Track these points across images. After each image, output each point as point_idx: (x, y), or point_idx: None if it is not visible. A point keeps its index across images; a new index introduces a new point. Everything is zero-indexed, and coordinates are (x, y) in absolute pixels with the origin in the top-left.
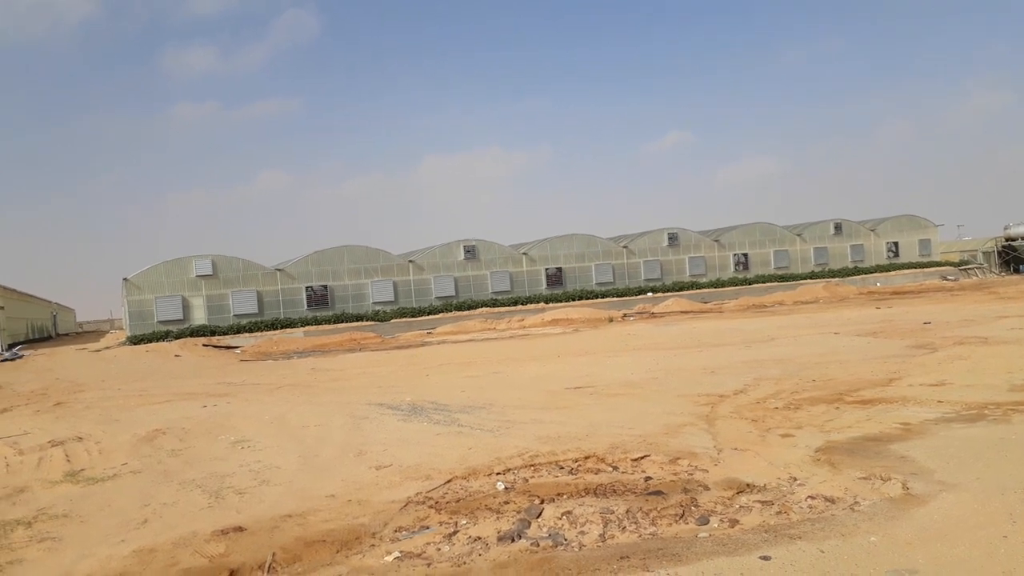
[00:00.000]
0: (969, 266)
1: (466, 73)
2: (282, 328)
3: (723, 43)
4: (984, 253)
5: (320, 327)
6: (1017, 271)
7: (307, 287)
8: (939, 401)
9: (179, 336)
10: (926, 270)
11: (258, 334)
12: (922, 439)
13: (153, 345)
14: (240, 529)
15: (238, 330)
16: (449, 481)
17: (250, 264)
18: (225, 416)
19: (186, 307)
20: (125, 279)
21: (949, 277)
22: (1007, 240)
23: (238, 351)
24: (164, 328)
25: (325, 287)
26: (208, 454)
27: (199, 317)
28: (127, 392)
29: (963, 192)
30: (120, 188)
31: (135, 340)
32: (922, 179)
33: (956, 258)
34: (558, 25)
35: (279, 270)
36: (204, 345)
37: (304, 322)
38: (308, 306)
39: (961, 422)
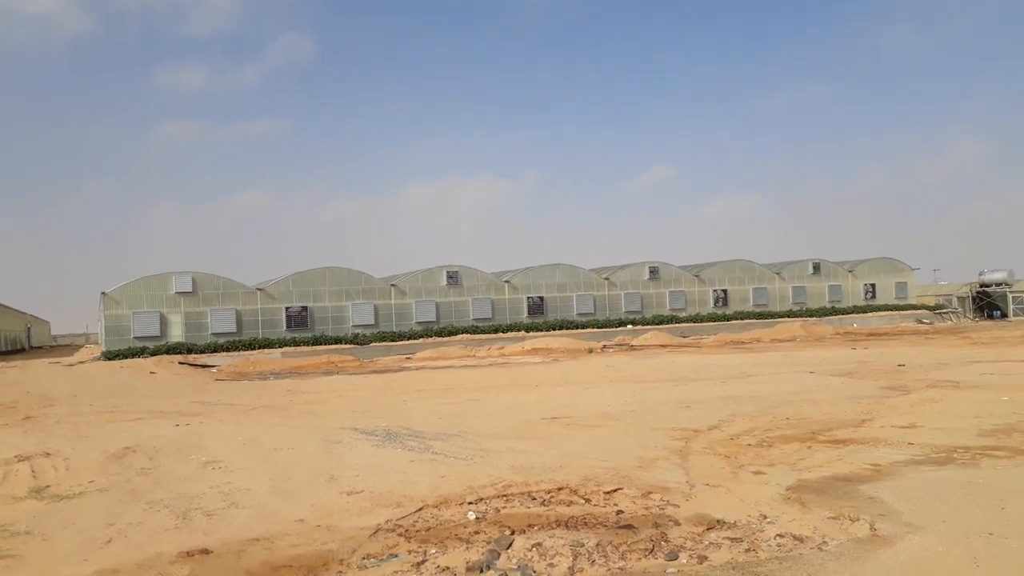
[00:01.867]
0: (944, 310)
1: (457, 100)
2: (260, 348)
3: (711, 82)
4: (959, 298)
5: (298, 348)
6: (990, 317)
7: (287, 307)
8: (910, 443)
9: (155, 353)
10: (902, 312)
11: (235, 353)
12: (891, 480)
13: (128, 361)
14: (206, 552)
15: (215, 349)
16: (420, 509)
17: (230, 282)
18: (197, 436)
19: (164, 324)
20: (103, 293)
21: (924, 320)
22: (981, 286)
23: (214, 370)
24: (140, 344)
25: (305, 308)
26: (178, 474)
27: (177, 334)
28: (99, 408)
29: (939, 238)
30: (104, 202)
31: (110, 355)
32: (900, 224)
33: (931, 302)
34: (549, 55)
35: (259, 289)
36: (180, 363)
37: (283, 343)
38: (287, 327)
39: (930, 464)
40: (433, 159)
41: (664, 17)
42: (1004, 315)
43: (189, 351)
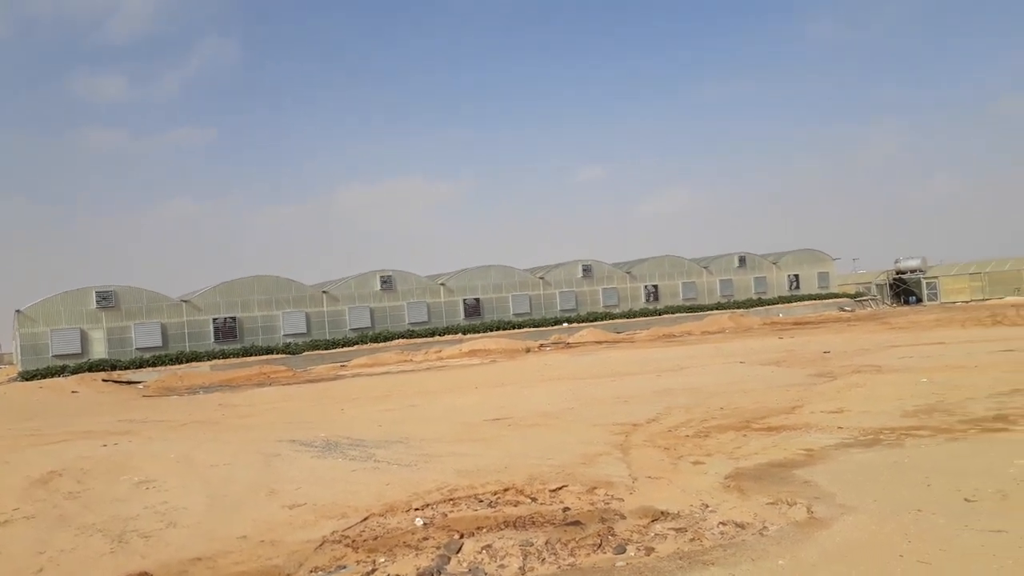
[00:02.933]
0: (864, 298)
1: (387, 102)
2: (188, 362)
3: (640, 79)
4: (877, 285)
5: (228, 360)
6: (907, 302)
7: (214, 319)
8: (839, 427)
9: (76, 371)
10: (825, 301)
11: (162, 368)
12: (824, 464)
13: (47, 381)
14: (145, 574)
15: (141, 364)
16: (366, 518)
17: (154, 295)
18: (127, 455)
19: (84, 340)
20: (18, 311)
21: (846, 308)
22: (897, 273)
23: (141, 386)
24: (60, 363)
25: (234, 319)
26: (109, 496)
27: (99, 351)
28: (17, 432)
29: (859, 228)
30: (17, 215)
31: (27, 376)
32: (821, 215)
33: (852, 290)
34: (479, 54)
35: (185, 301)
36: (104, 380)
37: (211, 355)
38: (215, 339)
39: (859, 447)
40: (364, 163)
41: (593, 13)
42: (919, 300)
43: (113, 368)
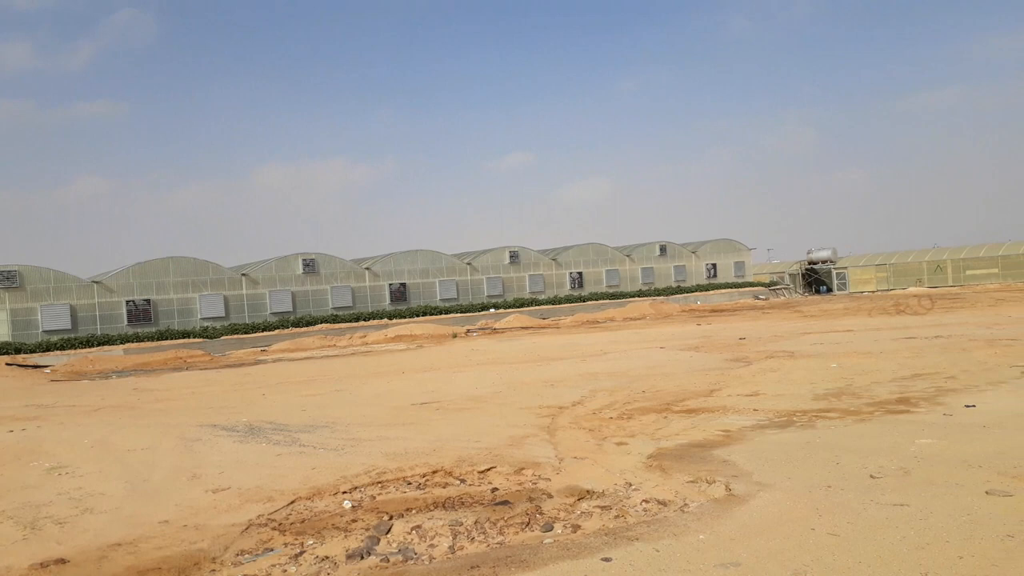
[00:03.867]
0: (778, 287)
1: (309, 82)
2: (99, 345)
3: (564, 68)
4: (791, 275)
5: (142, 344)
6: (818, 292)
7: (128, 301)
8: (754, 410)
9: None
10: (741, 290)
11: (71, 352)
12: (741, 444)
13: None
14: (62, 561)
15: (48, 347)
16: (293, 502)
17: (62, 275)
18: (37, 441)
19: None
20: None
21: (760, 296)
22: (810, 263)
23: (48, 371)
24: None
25: (148, 301)
26: (19, 482)
27: (2, 333)
28: None
29: (773, 219)
30: None
31: None
32: (738, 205)
33: (767, 279)
34: (406, 37)
35: (96, 282)
36: (8, 364)
37: (124, 339)
38: (129, 322)
39: (774, 428)
40: (285, 142)
41: (520, 3)
42: (830, 290)
43: (17, 351)
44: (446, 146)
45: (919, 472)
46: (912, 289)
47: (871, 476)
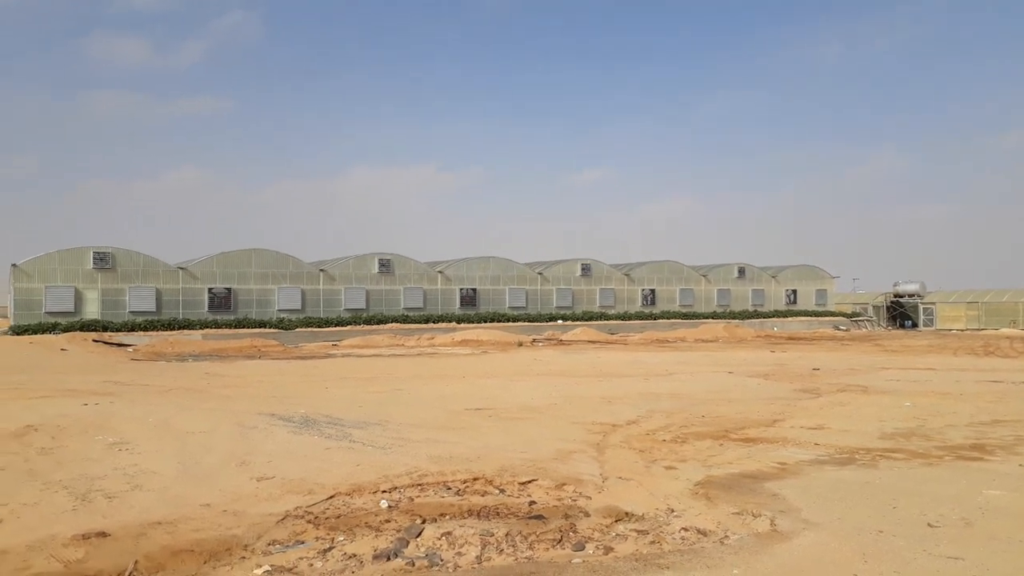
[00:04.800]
0: (860, 318)
1: (405, 88)
2: (180, 329)
3: (653, 86)
4: (874, 307)
5: (220, 331)
6: (902, 326)
7: (210, 288)
8: (816, 444)
9: (68, 329)
10: (820, 319)
11: (153, 333)
12: (795, 479)
13: (38, 337)
14: (103, 535)
15: (132, 327)
16: (332, 496)
17: (151, 260)
18: (106, 416)
19: (78, 299)
20: (14, 265)
21: (841, 327)
22: (895, 296)
23: (130, 349)
24: (52, 320)
25: (229, 290)
26: (81, 455)
27: (92, 311)
28: (1, 385)
29: (860, 248)
30: (25, 172)
31: (18, 330)
32: (823, 232)
33: (849, 309)
34: (500, 53)
35: (181, 268)
36: (95, 341)
37: (204, 324)
38: (209, 308)
39: (833, 464)
40: (376, 147)
41: (611, 19)
42: (915, 325)
43: (104, 329)
44: (528, 157)
45: (982, 524)
46: (1005, 330)
47: (928, 524)
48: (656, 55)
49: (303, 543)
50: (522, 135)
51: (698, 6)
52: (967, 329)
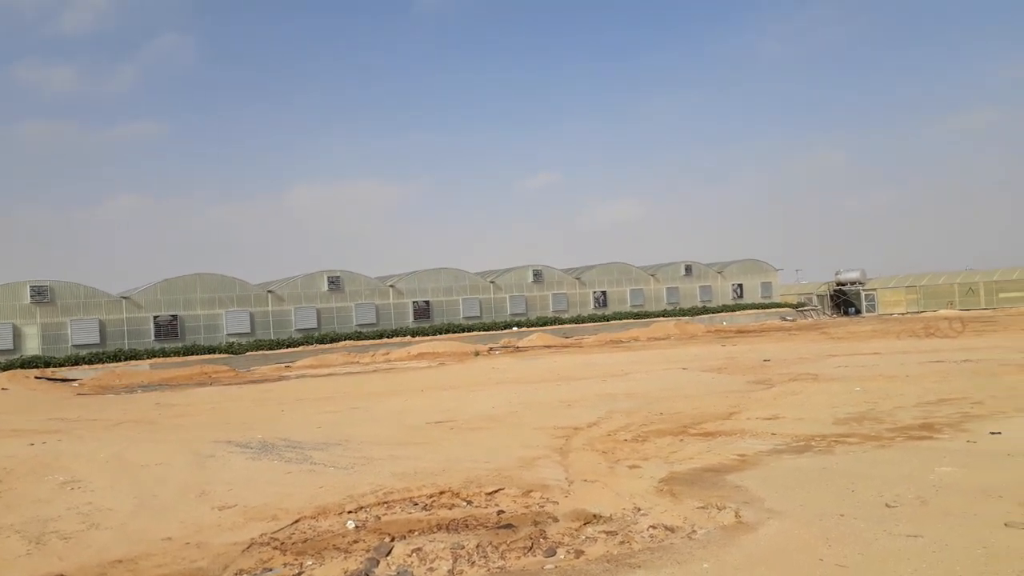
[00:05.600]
0: (805, 308)
1: (344, 104)
2: (127, 360)
3: (593, 88)
4: (818, 296)
5: (169, 359)
6: (846, 313)
7: (155, 317)
8: (773, 434)
9: (7, 367)
10: (767, 311)
11: (99, 366)
12: (756, 469)
13: None
14: None
15: (77, 361)
16: (297, 521)
17: (92, 291)
18: (55, 455)
19: (17, 336)
20: None
21: (787, 318)
22: (838, 284)
23: (76, 384)
24: None
25: (175, 317)
26: (31, 496)
27: (32, 347)
28: None
29: (801, 239)
30: None
31: None
32: (765, 226)
33: (794, 300)
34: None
35: (125, 298)
36: (36, 377)
37: (151, 354)
38: (156, 337)
39: (790, 453)
40: (318, 165)
41: (550, 22)
42: (858, 311)
43: (47, 365)
44: (474, 165)
45: (937, 502)
46: (943, 312)
47: (886, 505)
48: (596, 54)
49: (271, 570)
50: (464, 143)
51: (633, 3)
52: (908, 313)
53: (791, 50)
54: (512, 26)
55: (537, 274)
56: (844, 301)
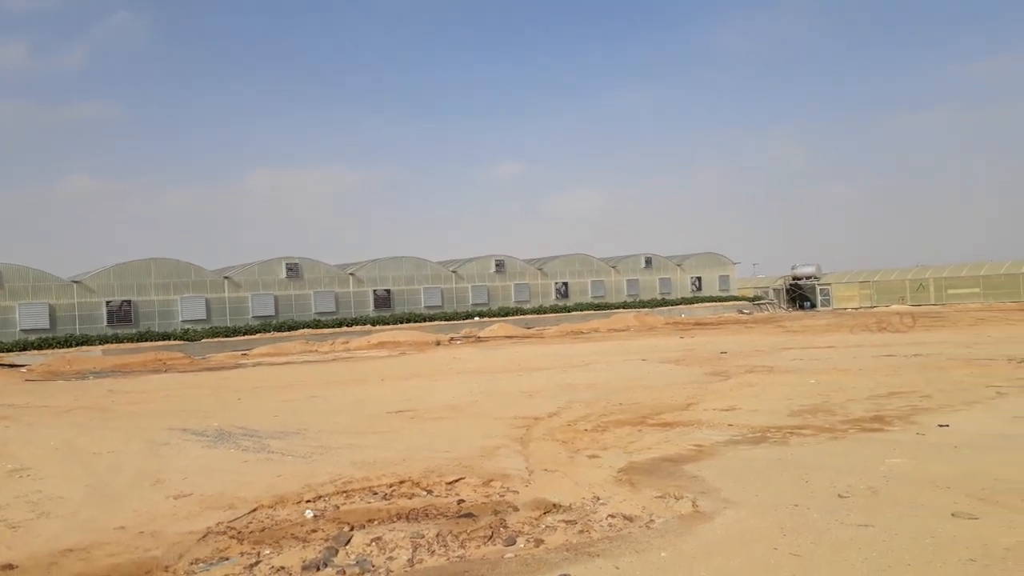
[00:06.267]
0: (762, 301)
1: (306, 90)
2: (78, 345)
3: (556, 78)
4: (775, 290)
5: (122, 345)
6: (802, 307)
7: (108, 302)
8: (729, 425)
9: None
10: (725, 304)
11: (49, 352)
12: (712, 460)
13: None
14: (10, 567)
15: (25, 347)
16: (254, 510)
17: (42, 274)
18: (1, 442)
19: None
20: None
21: (744, 311)
22: (794, 279)
23: (24, 370)
24: None
25: (128, 302)
26: None
27: None
28: None
29: (759, 234)
30: None
31: None
32: (724, 220)
33: (751, 293)
34: (400, 46)
35: (76, 282)
36: None
37: (103, 339)
38: (108, 322)
39: (747, 444)
40: (274, 148)
41: (515, 13)
42: (814, 305)
43: None
44: (437, 154)
45: (887, 492)
46: (895, 307)
47: (839, 495)
48: (555, 46)
49: (228, 559)
50: (428, 132)
51: None
52: (861, 307)
53: (750, 43)
54: (478, 17)
55: (499, 264)
56: (800, 295)
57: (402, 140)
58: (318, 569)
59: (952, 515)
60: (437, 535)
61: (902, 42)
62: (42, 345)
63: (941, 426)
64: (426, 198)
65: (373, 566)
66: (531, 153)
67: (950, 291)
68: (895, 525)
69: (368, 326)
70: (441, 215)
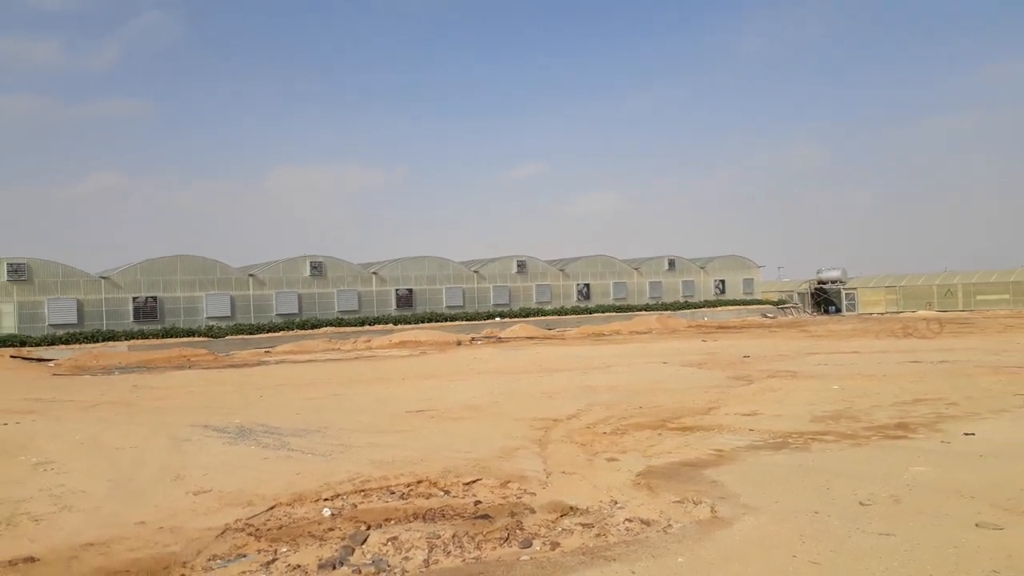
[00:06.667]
0: (786, 305)
1: (328, 88)
2: (104, 341)
3: (580, 79)
4: (799, 294)
5: (147, 341)
6: (827, 312)
7: (134, 298)
8: (750, 430)
9: None
10: (748, 307)
11: (76, 346)
12: (732, 465)
13: None
14: (32, 560)
15: (53, 341)
16: (272, 507)
17: (71, 270)
18: (29, 436)
19: None
20: None
21: (768, 315)
22: (819, 283)
23: (52, 364)
24: None
25: (155, 299)
26: (3, 477)
27: (8, 326)
28: None
29: (784, 237)
30: None
31: None
32: (749, 223)
33: (775, 297)
34: (423, 46)
35: (104, 278)
36: (12, 356)
37: (129, 335)
38: (135, 318)
39: (768, 449)
40: (299, 146)
41: (540, 13)
42: (839, 310)
43: (22, 344)
44: (459, 154)
45: (910, 501)
46: (922, 312)
47: (860, 503)
48: (579, 48)
49: (245, 556)
50: (449, 132)
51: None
52: (887, 312)
53: (773, 46)
54: (498, 18)
55: (521, 265)
56: (825, 300)
57: (422, 140)
58: (334, 568)
59: (976, 525)
60: (453, 536)
61: (926, 45)
62: (70, 340)
63: (967, 434)
64: (448, 198)
65: (389, 566)
66: (553, 154)
67: (978, 297)
68: (917, 534)
69: (390, 325)
70: (463, 215)
